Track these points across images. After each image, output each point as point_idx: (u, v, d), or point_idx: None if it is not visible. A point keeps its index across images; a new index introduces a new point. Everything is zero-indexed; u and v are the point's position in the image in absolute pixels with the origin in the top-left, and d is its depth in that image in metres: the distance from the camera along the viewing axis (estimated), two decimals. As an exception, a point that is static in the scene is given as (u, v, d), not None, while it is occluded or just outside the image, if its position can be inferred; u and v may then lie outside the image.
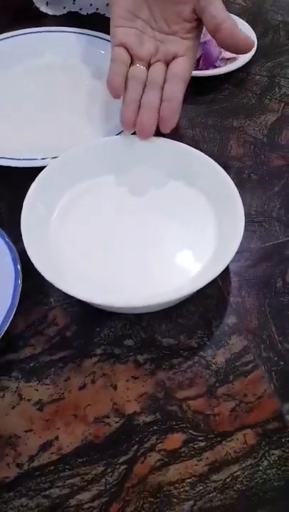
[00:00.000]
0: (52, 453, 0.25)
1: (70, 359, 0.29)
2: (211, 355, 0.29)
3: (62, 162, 0.33)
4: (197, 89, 0.45)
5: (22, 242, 0.28)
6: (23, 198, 0.30)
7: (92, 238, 0.32)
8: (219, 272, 0.27)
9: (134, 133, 0.36)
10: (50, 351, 0.29)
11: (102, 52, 0.44)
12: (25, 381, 0.28)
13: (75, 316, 0.30)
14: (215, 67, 0.45)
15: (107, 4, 0.51)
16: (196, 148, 0.33)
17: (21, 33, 0.45)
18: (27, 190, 0.31)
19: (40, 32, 0.46)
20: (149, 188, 0.35)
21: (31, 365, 0.28)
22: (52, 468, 0.25)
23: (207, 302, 0.31)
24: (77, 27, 0.46)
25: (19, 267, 0.30)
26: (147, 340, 0.29)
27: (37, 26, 0.46)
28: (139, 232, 0.32)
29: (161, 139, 0.34)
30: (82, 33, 0.46)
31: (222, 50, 0.45)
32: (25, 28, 0.46)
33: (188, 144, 0.34)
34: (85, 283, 0.29)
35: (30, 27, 0.46)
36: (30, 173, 0.32)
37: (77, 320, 0.30)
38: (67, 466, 0.25)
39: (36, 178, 0.31)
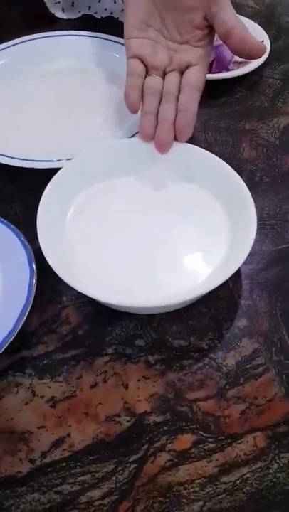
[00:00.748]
0: (64, 450, 0.26)
1: (82, 357, 0.29)
2: (222, 357, 0.29)
3: (77, 163, 0.33)
4: (210, 92, 0.45)
5: (37, 241, 0.29)
6: (38, 199, 0.31)
7: (106, 239, 0.32)
8: (231, 274, 0.27)
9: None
10: (63, 349, 0.29)
11: (117, 55, 0.44)
12: (38, 378, 0.28)
13: (88, 315, 0.31)
14: (228, 70, 0.45)
15: (122, 10, 0.51)
16: (208, 150, 0.34)
17: (37, 37, 0.46)
18: (42, 191, 0.31)
19: (56, 36, 0.47)
20: (163, 189, 0.35)
21: (44, 362, 0.29)
22: (64, 464, 0.25)
23: (218, 304, 0.31)
24: (91, 30, 0.47)
25: (34, 266, 0.30)
26: (158, 340, 0.30)
27: (51, 29, 0.47)
28: (152, 233, 0.32)
29: (175, 142, 0.34)
30: (97, 37, 0.46)
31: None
32: (39, 31, 0.46)
33: (201, 147, 0.34)
34: (99, 283, 0.30)
35: (44, 30, 0.47)
36: (45, 175, 0.32)
37: (90, 319, 0.31)
38: (79, 463, 0.26)
39: (52, 179, 0.32)
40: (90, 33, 0.47)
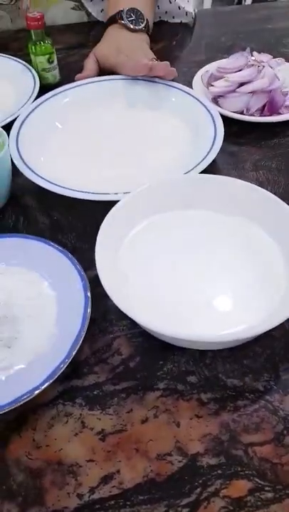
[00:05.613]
0: (113, 486, 0.25)
1: (133, 391, 0.29)
2: (279, 400, 0.28)
3: (133, 197, 0.35)
4: (261, 134, 0.46)
5: (89, 271, 0.29)
6: (92, 228, 0.32)
7: (160, 271, 0.32)
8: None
9: (203, 171, 0.37)
10: (114, 381, 0.29)
11: (173, 99, 0.47)
12: (88, 409, 0.28)
13: (139, 347, 0.31)
14: (279, 114, 0.46)
15: (102, 10, 0.62)
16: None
17: (102, 79, 0.50)
18: (95, 221, 0.32)
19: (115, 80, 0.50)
20: (216, 225, 0.35)
21: (95, 393, 0.29)
22: (112, 502, 0.25)
23: (274, 345, 0.30)
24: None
25: (89, 294, 0.31)
26: (211, 378, 0.29)
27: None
28: (207, 267, 0.33)
29: (230, 179, 0.35)
30: (154, 82, 0.49)
31: (286, 98, 0.46)
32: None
33: (254, 186, 0.35)
34: (151, 313, 0.29)
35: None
36: (98, 206, 0.34)
37: (141, 351, 0.30)
38: (128, 503, 0.25)
39: (110, 212, 0.33)
40: (147, 77, 0.50)
